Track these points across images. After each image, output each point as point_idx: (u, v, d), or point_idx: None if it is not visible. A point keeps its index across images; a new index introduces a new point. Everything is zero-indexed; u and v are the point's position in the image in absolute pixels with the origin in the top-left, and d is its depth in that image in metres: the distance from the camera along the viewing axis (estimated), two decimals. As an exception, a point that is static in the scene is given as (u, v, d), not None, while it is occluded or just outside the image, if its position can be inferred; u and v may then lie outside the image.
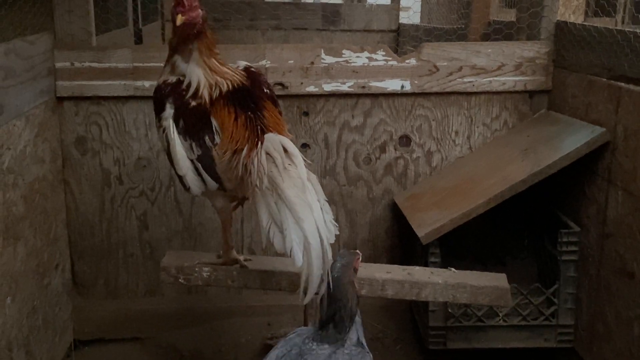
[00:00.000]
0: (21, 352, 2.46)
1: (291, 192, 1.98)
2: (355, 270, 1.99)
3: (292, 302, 3.06)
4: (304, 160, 2.07)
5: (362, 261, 2.09)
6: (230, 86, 2.17)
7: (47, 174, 2.80)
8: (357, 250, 2.07)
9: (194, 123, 2.13)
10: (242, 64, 2.33)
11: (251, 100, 2.17)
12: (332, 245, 2.02)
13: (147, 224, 3.13)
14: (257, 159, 2.04)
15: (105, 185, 3.07)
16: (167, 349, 3.10)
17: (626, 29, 2.60)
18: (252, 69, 2.30)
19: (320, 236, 1.95)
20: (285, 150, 2.06)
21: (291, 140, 2.14)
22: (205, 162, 2.13)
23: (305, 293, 1.96)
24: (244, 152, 2.07)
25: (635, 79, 2.50)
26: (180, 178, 2.19)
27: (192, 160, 2.15)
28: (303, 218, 1.95)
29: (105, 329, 3.13)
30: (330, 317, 1.92)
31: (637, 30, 2.51)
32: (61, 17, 2.92)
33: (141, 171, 3.07)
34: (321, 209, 2.01)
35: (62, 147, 3.01)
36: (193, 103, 2.15)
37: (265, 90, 2.23)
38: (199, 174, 2.15)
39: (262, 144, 2.07)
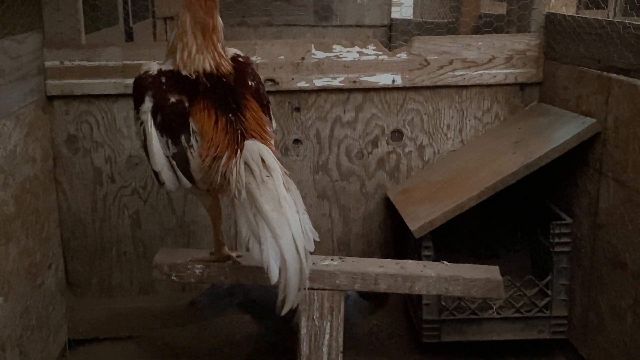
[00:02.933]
0: (15, 352, 2.45)
1: (268, 206, 1.94)
2: None
3: (286, 298, 3.07)
4: (283, 171, 2.03)
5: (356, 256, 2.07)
6: (215, 78, 2.14)
7: (38, 174, 2.79)
8: None
9: (172, 120, 2.10)
10: (231, 52, 2.28)
11: (233, 99, 2.11)
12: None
13: (140, 222, 3.12)
14: (236, 169, 2.00)
15: (97, 183, 3.07)
16: (162, 347, 3.10)
17: (615, 20, 2.61)
18: (240, 58, 2.26)
19: (298, 252, 1.93)
20: (264, 162, 2.01)
21: (273, 143, 2.11)
22: (179, 161, 2.10)
23: (282, 306, 1.96)
24: (223, 160, 2.03)
25: (624, 70, 2.51)
26: (155, 173, 2.16)
27: (167, 157, 2.12)
28: (280, 234, 1.92)
29: (99, 328, 3.12)
30: None
31: (626, 21, 2.52)
32: (50, 15, 2.90)
33: (133, 169, 3.07)
34: (300, 220, 1.98)
35: (53, 146, 3.00)
36: (172, 99, 2.11)
37: (249, 84, 2.19)
38: (174, 171, 2.13)
39: (241, 152, 2.02)
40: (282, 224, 1.94)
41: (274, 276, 1.93)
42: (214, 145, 2.05)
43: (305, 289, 1.99)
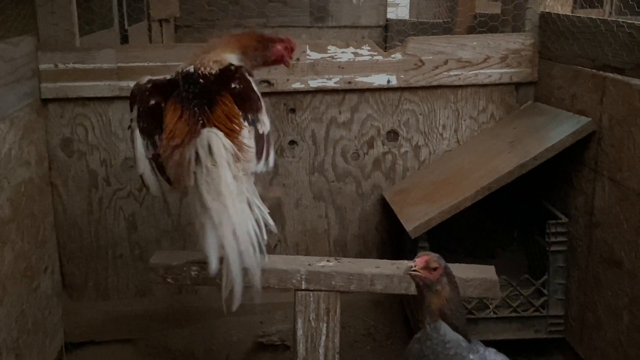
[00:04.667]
0: (11, 355, 2.45)
1: (209, 195, 1.96)
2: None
3: (283, 299, 3.06)
4: (237, 158, 2.04)
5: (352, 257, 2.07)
6: (194, 77, 2.19)
7: (34, 177, 2.78)
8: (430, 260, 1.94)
9: (150, 122, 2.16)
10: (227, 61, 2.29)
11: (205, 96, 2.13)
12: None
13: (136, 224, 3.12)
14: (187, 157, 2.03)
15: (92, 186, 3.06)
16: (159, 350, 3.09)
17: (609, 19, 2.61)
18: (232, 67, 2.27)
19: (239, 243, 1.93)
20: (211, 149, 2.02)
21: (244, 135, 2.11)
22: (157, 162, 2.15)
23: (229, 302, 1.97)
24: (180, 149, 2.06)
25: (619, 69, 2.51)
26: (141, 177, 2.21)
27: (149, 159, 2.17)
28: (218, 224, 1.93)
29: (96, 331, 3.12)
30: None
31: (620, 20, 2.52)
32: (44, 18, 2.90)
33: (128, 172, 3.06)
34: (244, 211, 1.98)
35: (48, 149, 2.99)
36: (152, 102, 2.17)
37: (232, 85, 2.19)
38: (155, 174, 2.17)
39: (196, 140, 2.04)
40: (222, 214, 1.94)
41: (212, 267, 1.94)
42: (173, 136, 2.09)
43: (257, 286, 1.99)
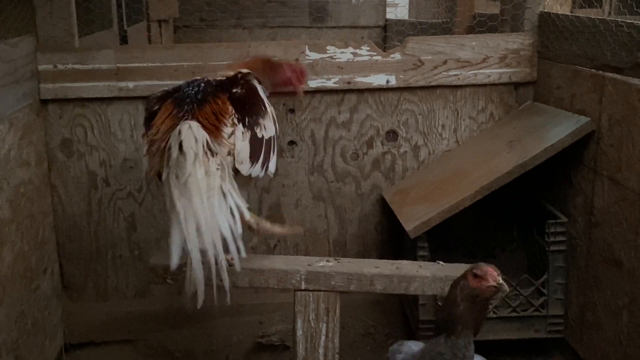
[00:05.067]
0: (11, 356, 2.45)
1: (176, 190, 1.96)
2: (467, 282, 1.81)
3: (283, 299, 3.07)
4: (210, 152, 2.04)
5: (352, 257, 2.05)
6: (197, 82, 2.25)
7: (33, 177, 2.78)
8: (490, 267, 1.83)
9: (148, 123, 2.20)
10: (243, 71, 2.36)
11: (201, 96, 2.16)
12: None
13: (135, 225, 3.12)
14: (164, 150, 2.05)
15: (92, 187, 3.06)
16: (159, 350, 3.10)
17: (608, 19, 2.61)
18: (239, 74, 2.30)
19: (202, 241, 1.93)
20: (181, 142, 2.02)
21: (226, 131, 2.10)
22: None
23: (193, 299, 1.97)
24: (158, 142, 2.10)
25: (618, 68, 2.51)
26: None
27: None
28: (183, 219, 1.93)
29: (95, 332, 3.12)
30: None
31: (619, 20, 2.52)
32: (43, 19, 2.90)
33: (128, 172, 3.06)
34: (219, 208, 1.98)
35: (48, 150, 2.99)
36: (155, 107, 2.20)
37: (233, 90, 2.20)
38: None
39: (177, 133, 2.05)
40: (187, 209, 1.94)
41: (172, 262, 1.93)
42: (157, 131, 2.12)
43: (225, 287, 1.99)
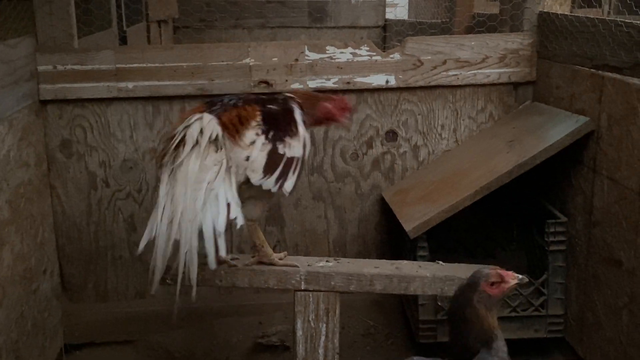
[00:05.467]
0: (11, 357, 2.45)
1: (165, 176, 2.08)
2: (483, 294, 1.79)
3: (283, 300, 3.07)
4: (210, 144, 2.09)
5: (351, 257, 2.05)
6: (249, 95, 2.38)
7: (33, 178, 2.78)
8: (498, 270, 1.84)
9: None
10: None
11: (234, 102, 2.23)
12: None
13: (135, 225, 3.12)
14: (172, 137, 2.15)
15: (91, 188, 3.06)
16: (159, 351, 3.09)
17: (607, 18, 2.61)
18: (283, 95, 2.36)
19: (171, 231, 1.98)
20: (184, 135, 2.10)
21: (238, 133, 2.15)
22: None
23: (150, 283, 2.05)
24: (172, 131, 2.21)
25: (617, 68, 2.51)
26: None
27: None
28: (159, 206, 2.02)
29: (95, 333, 3.12)
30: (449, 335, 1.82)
31: (618, 19, 2.52)
32: (42, 20, 2.90)
33: (127, 173, 3.06)
34: (202, 203, 2.01)
35: (47, 150, 2.99)
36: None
37: (268, 106, 2.24)
38: None
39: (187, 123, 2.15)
40: (169, 195, 2.02)
41: (140, 245, 2.03)
42: (178, 123, 2.21)
43: (192, 282, 2.03)
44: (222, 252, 2.06)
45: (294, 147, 2.22)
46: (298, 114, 2.28)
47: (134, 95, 2.98)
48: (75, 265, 3.13)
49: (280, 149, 2.19)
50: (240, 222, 2.08)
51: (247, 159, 2.14)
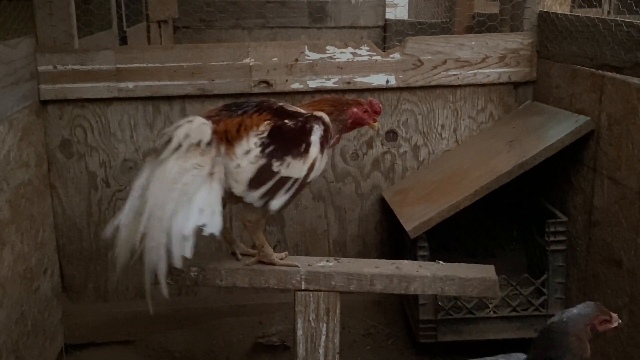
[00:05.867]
0: (11, 357, 2.45)
1: (145, 171, 2.11)
2: (593, 328, 1.82)
3: (283, 300, 3.07)
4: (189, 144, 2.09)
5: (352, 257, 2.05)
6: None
7: (33, 178, 2.78)
8: (608, 312, 1.87)
9: None
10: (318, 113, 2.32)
11: (247, 109, 2.21)
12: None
13: (135, 225, 3.11)
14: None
15: (91, 188, 3.06)
16: (159, 351, 3.09)
17: (607, 18, 2.61)
18: (305, 113, 2.27)
19: (145, 226, 2.01)
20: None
21: (232, 141, 2.13)
22: None
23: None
24: None
25: (617, 67, 2.51)
26: None
27: None
28: (130, 198, 2.08)
29: (96, 333, 3.12)
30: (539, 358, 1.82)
31: (618, 19, 2.52)
32: (43, 20, 2.90)
33: (127, 173, 3.06)
34: (174, 204, 2.01)
35: (47, 150, 2.99)
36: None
37: (285, 120, 2.18)
38: None
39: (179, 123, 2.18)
40: (142, 190, 2.06)
41: (106, 232, 2.09)
42: None
43: (161, 282, 2.05)
44: (188, 254, 2.04)
45: (294, 168, 2.15)
46: (316, 136, 2.19)
47: (134, 96, 2.98)
48: (76, 265, 3.13)
49: (276, 166, 2.13)
50: (210, 230, 2.03)
51: (237, 167, 2.11)
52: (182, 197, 2.02)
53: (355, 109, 2.30)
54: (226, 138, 2.12)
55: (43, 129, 2.96)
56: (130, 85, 2.95)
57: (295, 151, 2.16)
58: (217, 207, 2.07)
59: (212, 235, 2.03)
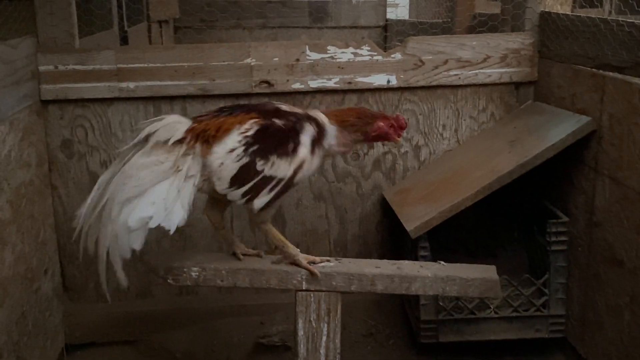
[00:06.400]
0: (12, 357, 2.45)
1: (114, 162, 2.18)
2: None
3: (284, 300, 3.07)
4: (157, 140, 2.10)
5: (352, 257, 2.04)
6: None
7: (34, 178, 2.78)
8: None
9: None
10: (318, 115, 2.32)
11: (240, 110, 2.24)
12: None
13: (136, 225, 3.11)
14: None
15: (92, 188, 3.05)
16: (160, 351, 3.09)
17: (609, 18, 2.61)
18: (300, 112, 2.26)
19: (93, 213, 2.07)
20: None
21: (210, 138, 2.14)
22: None
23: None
24: None
25: (618, 67, 2.51)
26: None
27: None
28: (95, 188, 2.11)
29: (97, 333, 3.12)
30: None
31: (620, 19, 2.52)
32: (43, 20, 2.90)
33: (128, 173, 3.05)
34: (130, 197, 2.03)
35: (48, 150, 2.99)
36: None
37: (273, 120, 2.17)
38: None
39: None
40: (105, 180, 2.11)
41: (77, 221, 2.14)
42: None
43: (119, 274, 2.13)
44: (137, 247, 2.07)
45: (279, 167, 2.14)
46: (307, 136, 2.18)
47: (135, 95, 2.98)
48: (77, 266, 3.12)
49: (259, 165, 2.12)
50: (159, 223, 2.02)
51: (221, 165, 2.11)
52: (134, 189, 2.03)
53: (381, 123, 2.28)
54: (204, 137, 2.13)
55: (44, 129, 2.96)
56: (131, 85, 2.95)
57: (282, 150, 2.15)
58: (178, 202, 2.06)
59: (166, 230, 2.04)
